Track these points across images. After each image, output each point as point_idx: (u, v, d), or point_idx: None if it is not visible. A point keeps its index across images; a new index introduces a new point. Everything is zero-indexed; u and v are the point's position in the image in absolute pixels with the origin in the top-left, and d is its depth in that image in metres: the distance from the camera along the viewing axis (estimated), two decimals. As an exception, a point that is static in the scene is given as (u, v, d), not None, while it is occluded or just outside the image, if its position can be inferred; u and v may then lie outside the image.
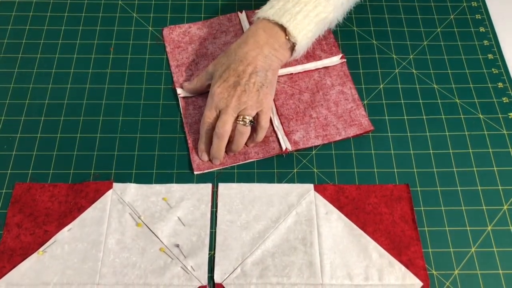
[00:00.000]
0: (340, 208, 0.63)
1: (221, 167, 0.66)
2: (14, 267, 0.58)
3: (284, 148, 0.67)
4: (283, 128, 0.69)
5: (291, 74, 0.73)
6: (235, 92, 0.63)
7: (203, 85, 0.69)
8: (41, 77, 0.73)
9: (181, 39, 0.77)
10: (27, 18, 0.79)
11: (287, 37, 0.66)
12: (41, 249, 0.60)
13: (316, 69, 0.74)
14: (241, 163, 0.67)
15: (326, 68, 0.74)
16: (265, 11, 0.67)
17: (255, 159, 0.67)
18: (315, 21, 0.66)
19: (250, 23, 0.78)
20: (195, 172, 0.66)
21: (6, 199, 0.63)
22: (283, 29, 0.66)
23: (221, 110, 0.64)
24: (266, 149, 0.68)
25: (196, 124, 0.70)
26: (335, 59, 0.75)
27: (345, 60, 0.75)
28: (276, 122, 0.69)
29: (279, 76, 0.73)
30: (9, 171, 0.65)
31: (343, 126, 0.69)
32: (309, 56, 0.75)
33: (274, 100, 0.70)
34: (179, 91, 0.72)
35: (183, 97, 0.72)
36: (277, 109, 0.70)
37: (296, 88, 0.72)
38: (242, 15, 0.80)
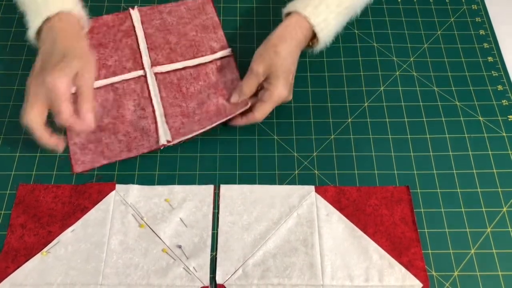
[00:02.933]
0: (340, 209, 0.64)
1: (105, 163, 0.67)
2: (18, 267, 0.59)
3: (161, 143, 0.67)
4: (166, 121, 0.69)
5: (181, 68, 0.74)
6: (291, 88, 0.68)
7: (254, 89, 0.68)
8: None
9: None
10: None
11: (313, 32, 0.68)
12: (44, 249, 0.60)
13: (203, 64, 0.75)
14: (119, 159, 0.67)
15: (215, 61, 0.75)
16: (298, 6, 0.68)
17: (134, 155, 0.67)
18: (336, 11, 0.69)
19: (143, 22, 0.79)
20: (76, 171, 0.66)
21: (10, 200, 0.64)
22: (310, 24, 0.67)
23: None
24: (145, 144, 0.68)
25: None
26: (221, 54, 0.76)
27: (232, 53, 0.76)
28: (159, 114, 0.70)
29: (166, 72, 0.74)
30: (13, 172, 0.66)
31: (225, 106, 0.70)
32: (198, 51, 0.76)
33: (160, 93, 0.72)
34: None
35: None
36: (162, 102, 0.71)
37: (183, 82, 0.73)
38: (135, 12, 0.80)
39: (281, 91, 0.66)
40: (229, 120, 0.69)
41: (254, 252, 0.61)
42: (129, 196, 0.64)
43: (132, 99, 0.71)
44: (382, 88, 0.75)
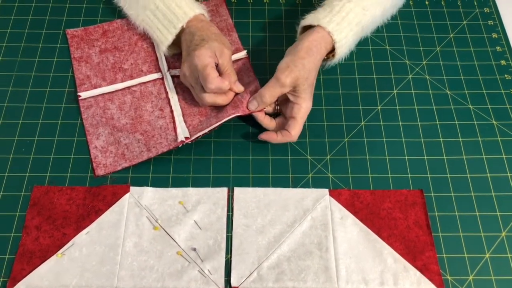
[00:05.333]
0: (355, 213, 0.64)
1: (126, 166, 0.67)
2: (33, 269, 0.59)
3: (179, 140, 0.67)
4: (184, 119, 0.70)
5: None
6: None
7: (275, 98, 0.67)
8: (58, 80, 0.74)
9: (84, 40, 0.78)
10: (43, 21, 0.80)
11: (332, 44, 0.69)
12: (59, 251, 0.60)
13: None
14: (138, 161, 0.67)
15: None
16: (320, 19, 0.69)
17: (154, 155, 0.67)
18: (355, 30, 0.70)
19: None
20: (98, 175, 0.66)
21: (25, 202, 0.64)
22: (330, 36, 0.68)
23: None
24: (163, 143, 0.68)
25: (100, 125, 0.69)
26: (236, 56, 0.76)
27: (248, 56, 0.77)
28: (178, 112, 0.71)
29: None
30: (27, 174, 0.66)
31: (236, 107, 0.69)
32: None
33: (177, 94, 0.73)
34: (81, 95, 0.72)
35: (83, 100, 0.72)
36: (180, 102, 0.72)
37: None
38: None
39: (308, 104, 0.66)
40: (264, 135, 0.68)
41: (268, 255, 0.61)
42: (143, 198, 0.64)
43: (150, 100, 0.72)
44: (395, 91, 0.75)
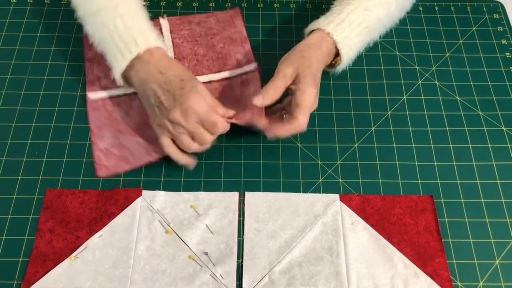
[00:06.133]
0: (365, 218, 0.64)
1: (127, 169, 0.67)
2: (47, 272, 0.60)
3: None
4: None
5: (210, 81, 0.75)
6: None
7: (280, 92, 0.66)
8: (70, 84, 0.75)
9: None
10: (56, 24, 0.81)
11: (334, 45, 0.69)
12: (73, 254, 0.61)
13: (228, 78, 0.75)
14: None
15: (239, 75, 0.75)
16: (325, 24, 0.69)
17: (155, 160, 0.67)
18: (358, 30, 0.70)
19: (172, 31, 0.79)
20: (98, 176, 0.66)
21: (38, 205, 0.64)
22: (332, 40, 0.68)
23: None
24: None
25: (105, 127, 0.70)
26: (247, 68, 0.76)
27: (258, 68, 0.76)
28: None
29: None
30: (40, 177, 0.67)
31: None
32: (227, 64, 0.76)
33: None
34: (89, 95, 0.73)
35: (93, 101, 0.72)
36: None
37: (213, 93, 0.73)
38: (164, 21, 0.80)
39: (312, 90, 0.64)
40: (270, 130, 0.66)
41: (280, 260, 0.61)
42: (155, 202, 0.65)
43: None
44: (405, 97, 0.75)
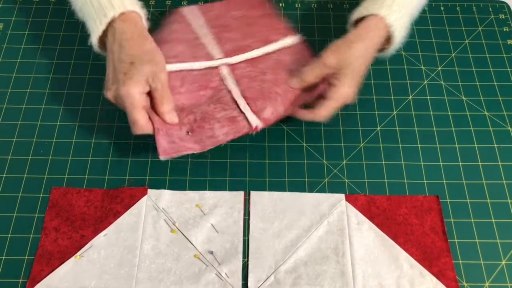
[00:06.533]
0: (371, 218, 0.64)
1: (190, 152, 0.64)
2: (52, 270, 0.60)
3: (254, 126, 0.65)
4: (251, 109, 0.67)
5: (252, 58, 0.72)
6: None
7: (317, 79, 0.66)
8: (75, 82, 0.75)
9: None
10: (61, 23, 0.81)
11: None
12: (78, 253, 0.61)
13: (273, 52, 0.72)
14: (211, 148, 0.64)
15: (285, 48, 0.73)
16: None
17: (224, 142, 0.65)
18: (406, 12, 0.67)
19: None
20: (161, 157, 0.62)
21: (44, 203, 0.64)
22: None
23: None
24: (235, 129, 0.65)
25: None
26: (290, 40, 0.73)
27: (304, 40, 0.74)
28: (242, 103, 0.67)
29: (239, 63, 0.72)
30: (45, 176, 0.67)
31: (310, 96, 0.68)
32: (265, 40, 0.74)
33: (237, 86, 0.69)
34: None
35: None
36: (241, 93, 0.68)
37: (257, 70, 0.71)
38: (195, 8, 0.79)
39: (347, 90, 0.64)
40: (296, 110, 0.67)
41: (285, 259, 0.61)
42: (161, 201, 0.65)
43: (204, 88, 0.69)
44: (410, 97, 0.75)
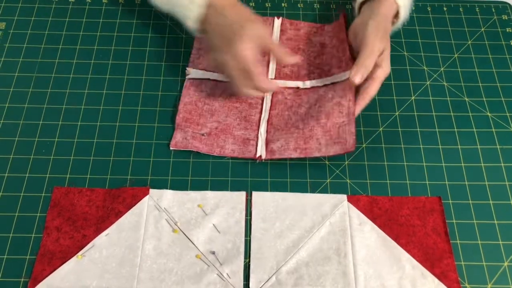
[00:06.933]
0: (373, 219, 0.64)
1: (195, 150, 0.68)
2: (54, 270, 0.60)
3: (258, 155, 0.68)
4: (266, 136, 0.69)
5: (298, 87, 0.74)
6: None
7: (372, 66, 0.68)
8: (77, 82, 0.75)
9: None
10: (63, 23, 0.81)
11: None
12: (80, 253, 0.61)
13: (324, 85, 0.73)
14: (215, 155, 0.69)
15: (335, 83, 0.72)
16: None
17: (229, 156, 0.69)
18: None
19: (282, 30, 0.80)
20: (171, 148, 0.68)
21: (45, 203, 0.64)
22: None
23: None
24: (243, 149, 0.69)
25: (190, 104, 0.71)
26: (344, 75, 0.71)
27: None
28: (263, 128, 0.70)
29: (285, 88, 0.74)
30: (47, 175, 0.67)
31: (326, 142, 0.67)
32: (323, 73, 0.74)
33: (270, 109, 0.72)
34: (189, 71, 0.74)
35: (190, 79, 0.74)
36: (270, 118, 0.71)
37: (296, 101, 0.72)
38: (278, 21, 0.81)
39: (388, 66, 0.68)
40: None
41: (287, 260, 0.61)
42: (162, 201, 0.65)
43: (243, 102, 0.73)
44: (413, 98, 0.75)
